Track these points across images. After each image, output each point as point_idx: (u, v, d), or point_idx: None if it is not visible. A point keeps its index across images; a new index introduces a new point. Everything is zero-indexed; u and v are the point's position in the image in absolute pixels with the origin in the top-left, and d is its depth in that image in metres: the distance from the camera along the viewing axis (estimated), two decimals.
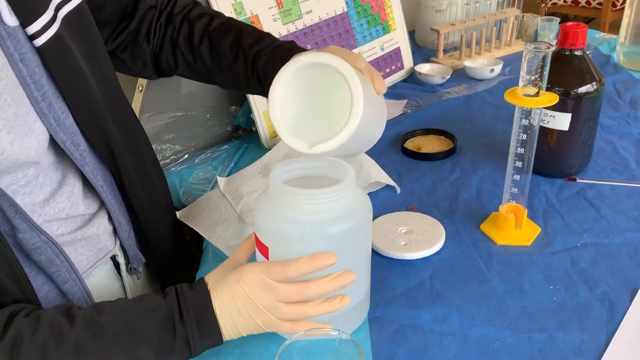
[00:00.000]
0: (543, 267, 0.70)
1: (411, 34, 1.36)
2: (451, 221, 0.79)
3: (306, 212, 0.56)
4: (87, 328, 0.52)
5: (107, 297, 0.68)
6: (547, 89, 0.67)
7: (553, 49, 0.63)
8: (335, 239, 0.56)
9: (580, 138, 0.84)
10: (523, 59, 0.65)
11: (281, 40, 0.73)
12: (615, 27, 1.62)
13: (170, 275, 0.80)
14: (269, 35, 0.74)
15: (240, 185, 0.90)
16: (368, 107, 0.58)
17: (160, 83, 0.96)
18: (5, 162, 0.53)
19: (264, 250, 0.58)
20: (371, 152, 0.93)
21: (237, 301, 0.56)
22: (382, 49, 1.21)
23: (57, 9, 0.59)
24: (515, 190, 0.73)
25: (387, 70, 1.24)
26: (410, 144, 1.00)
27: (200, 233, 0.82)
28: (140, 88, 0.92)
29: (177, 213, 0.87)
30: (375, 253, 0.72)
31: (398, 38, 1.25)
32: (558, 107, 0.78)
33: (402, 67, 1.28)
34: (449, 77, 1.24)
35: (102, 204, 0.68)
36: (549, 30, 1.41)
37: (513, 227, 0.75)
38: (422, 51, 1.44)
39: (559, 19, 1.39)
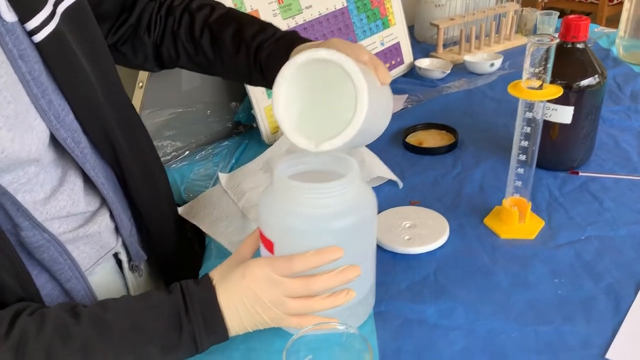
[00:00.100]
0: (547, 260, 0.70)
1: (410, 29, 1.35)
2: (454, 215, 0.78)
3: (311, 206, 0.55)
4: (93, 326, 0.52)
5: (110, 294, 0.67)
6: (550, 82, 0.67)
7: (557, 41, 0.63)
8: (341, 233, 0.56)
9: (582, 131, 0.84)
10: (527, 52, 0.65)
11: (283, 30, 0.73)
12: (611, 22, 1.62)
13: (172, 272, 0.80)
14: (270, 25, 0.73)
15: (242, 182, 0.90)
16: (373, 101, 0.57)
17: (160, 79, 0.95)
18: (6, 160, 0.53)
19: (269, 246, 0.58)
20: (373, 147, 0.93)
21: (243, 297, 0.55)
22: (382, 44, 1.21)
23: (56, 4, 0.58)
24: (519, 183, 0.73)
25: (387, 65, 1.24)
26: (411, 139, 1.00)
27: (203, 229, 0.82)
28: (140, 84, 0.92)
29: (179, 209, 0.86)
30: (379, 248, 0.71)
31: (398, 33, 1.24)
32: (560, 100, 0.78)
33: (402, 62, 1.27)
34: (449, 71, 1.24)
35: (104, 202, 0.67)
36: (548, 24, 1.41)
37: (517, 221, 0.74)
38: (421, 46, 1.44)
39: (558, 13, 1.39)
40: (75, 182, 0.63)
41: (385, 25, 1.21)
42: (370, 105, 0.56)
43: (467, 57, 1.28)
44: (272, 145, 0.99)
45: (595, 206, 0.79)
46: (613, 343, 0.57)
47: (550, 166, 0.87)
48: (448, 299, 0.65)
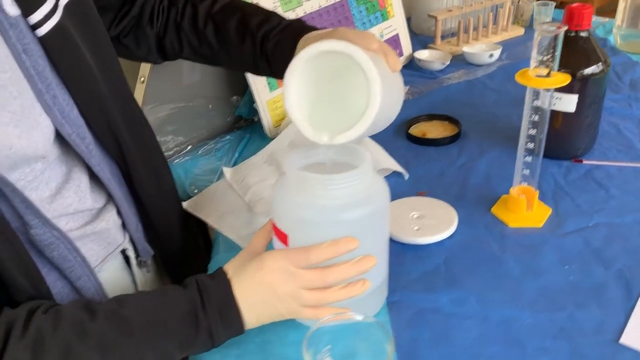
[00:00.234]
0: (556, 247, 0.70)
1: (407, 21, 1.35)
2: (462, 205, 0.78)
3: (325, 197, 0.55)
4: (110, 322, 0.52)
5: (118, 291, 0.67)
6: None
7: (564, 28, 0.63)
8: (355, 224, 0.55)
9: (586, 120, 0.84)
10: (534, 40, 0.65)
11: (288, 19, 0.72)
12: (602, 12, 1.63)
13: (179, 268, 0.80)
14: (275, 14, 0.72)
15: (247, 175, 0.89)
16: (385, 90, 0.57)
17: (161, 74, 0.95)
18: (13, 157, 0.52)
19: (283, 238, 0.58)
20: (376, 138, 0.93)
21: (258, 290, 0.55)
22: (382, 36, 1.21)
23: None
24: (526, 172, 0.73)
25: None
26: (415, 130, 1.00)
27: (210, 223, 0.81)
28: (142, 79, 0.91)
29: (184, 204, 0.86)
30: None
31: (397, 25, 1.24)
32: (564, 89, 0.78)
33: (401, 54, 1.27)
34: (448, 63, 1.24)
35: (109, 198, 0.66)
36: (545, 15, 1.41)
37: (524, 209, 0.75)
38: (419, 38, 1.44)
39: (554, 3, 1.40)
40: (81, 179, 0.62)
41: (385, 17, 1.20)
42: (383, 95, 0.56)
43: (466, 49, 1.28)
44: (274, 138, 0.99)
45: (601, 194, 0.79)
46: (626, 328, 0.58)
47: (554, 155, 0.87)
48: (460, 288, 0.65)
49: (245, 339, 0.58)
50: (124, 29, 0.76)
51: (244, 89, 1.06)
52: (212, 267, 0.75)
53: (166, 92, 0.97)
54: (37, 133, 0.55)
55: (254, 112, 1.06)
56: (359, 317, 0.51)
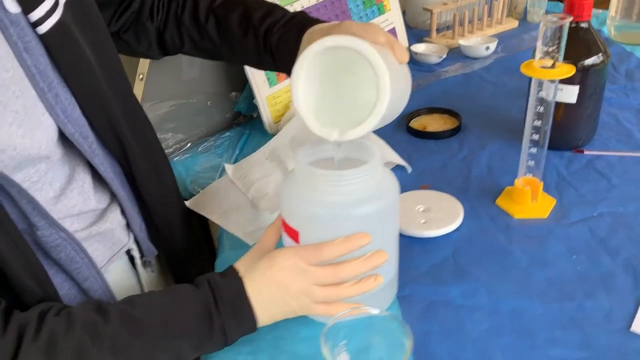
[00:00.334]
0: (563, 238, 0.70)
1: (402, 14, 1.35)
2: (466, 198, 0.78)
3: (337, 194, 0.55)
4: (123, 323, 0.51)
5: (124, 292, 0.66)
6: None
7: (569, 19, 0.63)
8: (367, 219, 0.55)
9: (587, 110, 0.85)
10: (540, 30, 0.65)
11: (291, 12, 0.71)
12: (596, 4, 1.63)
13: (182, 267, 0.79)
14: (277, 7, 0.72)
15: (249, 172, 0.89)
16: (393, 84, 0.57)
17: (159, 70, 0.94)
18: (18, 158, 0.51)
19: (294, 235, 0.57)
20: (377, 132, 0.93)
21: (271, 287, 0.55)
22: None
23: None
24: (531, 163, 0.73)
25: None
26: (415, 123, 1.00)
27: (214, 221, 0.81)
28: (140, 76, 0.90)
29: (187, 202, 0.85)
30: None
31: (393, 18, 1.24)
32: (565, 80, 0.78)
33: None
34: (445, 56, 1.24)
35: (113, 198, 0.66)
36: (539, 7, 1.42)
37: (529, 200, 0.75)
38: (414, 32, 1.43)
39: None
40: (84, 179, 0.61)
41: (381, 11, 1.20)
42: (391, 89, 0.55)
43: (462, 42, 1.28)
44: (275, 134, 0.98)
45: (604, 183, 0.80)
46: (637, 316, 0.58)
47: (556, 146, 0.87)
48: (469, 280, 0.65)
49: (257, 336, 0.58)
50: (124, 25, 0.75)
51: (243, 85, 1.06)
52: (218, 265, 0.74)
53: (165, 89, 0.96)
54: (41, 133, 0.54)
55: (253, 108, 1.05)
56: (374, 312, 0.51)
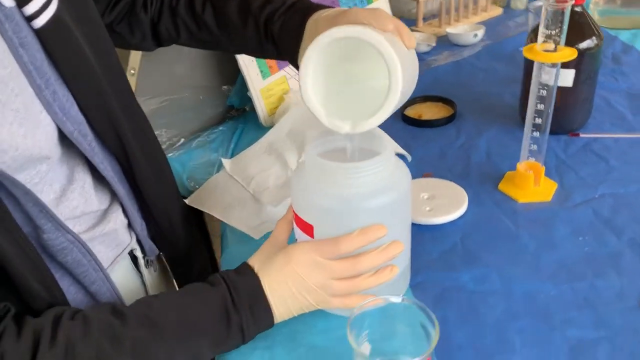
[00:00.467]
0: (568, 220, 0.71)
1: None
2: (468, 184, 0.79)
3: (351, 186, 0.54)
4: (141, 325, 0.50)
5: (129, 293, 0.65)
6: None
7: (571, 2, 0.64)
8: (382, 211, 0.55)
9: (582, 94, 0.86)
10: (542, 14, 0.65)
11: None
12: None
13: (183, 265, 0.78)
14: None
15: (248, 166, 0.87)
16: (403, 71, 0.56)
17: (151, 65, 0.91)
18: (20, 159, 0.49)
19: (308, 229, 0.57)
20: None
21: (289, 282, 0.55)
22: None
23: None
24: (534, 147, 0.74)
25: None
26: (410, 112, 0.99)
27: (216, 216, 0.80)
28: (132, 72, 0.88)
29: (187, 199, 0.84)
30: None
31: (381, 7, 1.23)
32: (561, 64, 0.79)
33: None
34: (434, 44, 1.24)
35: (114, 198, 0.64)
36: None
37: (532, 185, 0.76)
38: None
39: None
40: (84, 180, 0.59)
41: (369, 0, 1.19)
42: (403, 78, 0.55)
43: (450, 30, 1.28)
44: (270, 127, 0.97)
45: (602, 165, 0.81)
46: None
47: (552, 130, 0.87)
48: (480, 265, 0.65)
49: (273, 330, 0.57)
50: (117, 16, 0.72)
51: (235, 78, 1.04)
52: (224, 260, 0.73)
53: (156, 84, 0.94)
54: (41, 132, 0.52)
55: (245, 101, 1.04)
56: (397, 300, 0.50)
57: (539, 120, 0.72)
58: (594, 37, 0.82)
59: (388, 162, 0.55)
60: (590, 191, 0.76)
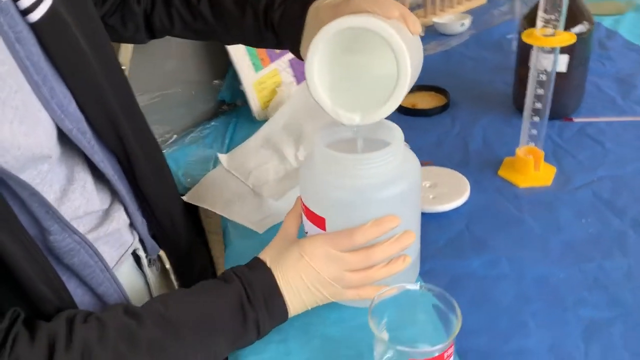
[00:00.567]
0: (570, 203, 0.72)
1: None
2: (467, 171, 0.79)
3: (363, 177, 0.54)
4: (157, 326, 0.49)
5: (134, 294, 0.64)
6: None
7: None
8: (393, 201, 0.55)
9: (575, 79, 0.86)
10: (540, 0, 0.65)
11: None
12: None
13: (184, 264, 0.76)
14: None
15: (245, 161, 0.86)
16: (411, 58, 0.56)
17: (142, 61, 0.89)
18: (22, 158, 0.47)
19: (320, 222, 0.56)
20: None
21: (303, 276, 0.54)
22: None
23: None
24: (534, 132, 0.74)
25: None
26: (404, 102, 0.98)
27: (217, 212, 0.78)
28: (122, 68, 0.85)
29: (184, 196, 0.82)
30: None
31: None
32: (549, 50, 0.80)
33: None
34: (423, 34, 1.24)
35: (114, 197, 0.62)
36: None
37: (532, 169, 0.76)
38: None
39: None
40: (84, 179, 0.57)
41: None
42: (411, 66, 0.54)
43: (437, 19, 1.28)
44: (263, 121, 0.96)
45: (598, 149, 0.82)
46: None
47: None
48: (488, 251, 0.66)
49: (286, 323, 0.57)
50: (109, 8, 0.70)
51: (225, 73, 1.02)
52: (228, 256, 0.72)
53: (147, 80, 0.92)
54: (41, 130, 0.50)
55: (236, 95, 1.03)
56: (415, 287, 0.50)
57: (538, 105, 0.72)
58: (585, 22, 0.83)
59: (399, 151, 0.55)
60: (589, 174, 0.77)
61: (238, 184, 0.82)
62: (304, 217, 0.59)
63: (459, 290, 0.61)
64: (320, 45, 0.52)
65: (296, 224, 0.59)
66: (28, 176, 0.50)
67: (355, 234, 0.54)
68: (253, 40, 0.71)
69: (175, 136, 0.97)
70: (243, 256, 0.70)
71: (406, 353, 0.45)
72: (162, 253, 0.72)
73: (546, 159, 0.80)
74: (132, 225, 0.65)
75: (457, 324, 0.46)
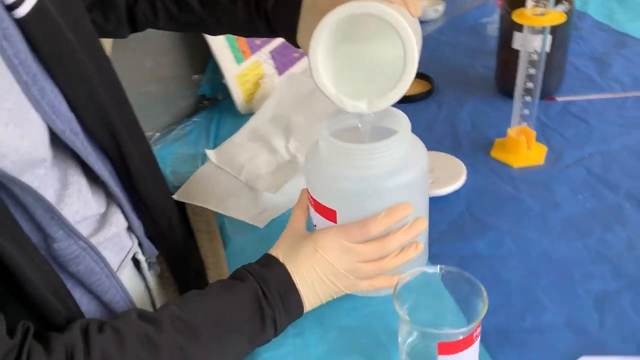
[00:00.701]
0: (564, 180, 0.73)
1: None
2: (460, 155, 0.79)
3: (374, 167, 0.53)
4: (176, 330, 0.47)
5: (136, 299, 0.61)
6: None
7: None
8: (405, 188, 0.54)
9: (557, 59, 0.88)
10: None
11: None
12: None
13: (182, 265, 0.74)
14: None
15: (235, 155, 0.84)
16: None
17: (118, 58, 0.86)
18: (20, 163, 0.45)
19: (330, 215, 0.55)
20: None
21: (317, 270, 0.54)
22: None
23: None
24: (526, 111, 0.75)
25: None
26: None
27: (211, 209, 0.76)
28: None
29: (174, 195, 0.80)
30: None
31: None
32: (539, 30, 0.81)
33: None
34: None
35: (110, 199, 0.60)
36: None
37: (525, 149, 0.77)
38: None
39: None
40: (79, 182, 0.55)
41: None
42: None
43: None
44: (248, 114, 0.94)
45: (584, 126, 0.84)
46: None
47: None
48: (491, 231, 0.66)
49: (300, 317, 0.56)
50: (90, 2, 0.67)
51: (204, 67, 1.00)
52: (230, 254, 0.70)
53: (125, 78, 0.88)
54: (35, 132, 0.47)
55: (217, 89, 1.00)
56: (434, 270, 0.50)
57: (530, 85, 0.73)
58: (565, 2, 0.84)
59: (407, 138, 0.55)
60: (579, 151, 0.78)
61: (230, 179, 0.80)
62: (312, 211, 0.58)
63: (468, 271, 0.60)
64: (325, 33, 0.50)
65: (304, 217, 0.59)
66: (26, 181, 0.47)
67: (369, 224, 0.53)
68: (244, 30, 0.70)
69: (157, 134, 0.94)
70: (245, 252, 0.69)
71: (436, 335, 0.45)
72: (159, 256, 0.70)
73: (536, 139, 0.81)
74: (129, 228, 0.62)
75: (484, 302, 0.46)
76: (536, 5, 0.67)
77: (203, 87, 1.00)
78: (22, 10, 0.46)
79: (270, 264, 0.54)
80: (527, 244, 0.64)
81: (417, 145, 0.57)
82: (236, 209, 0.75)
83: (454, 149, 0.82)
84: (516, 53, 0.85)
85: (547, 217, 0.67)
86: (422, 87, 0.99)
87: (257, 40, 0.97)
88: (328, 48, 0.52)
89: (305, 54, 0.61)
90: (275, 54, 1.00)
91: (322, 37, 0.50)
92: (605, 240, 0.63)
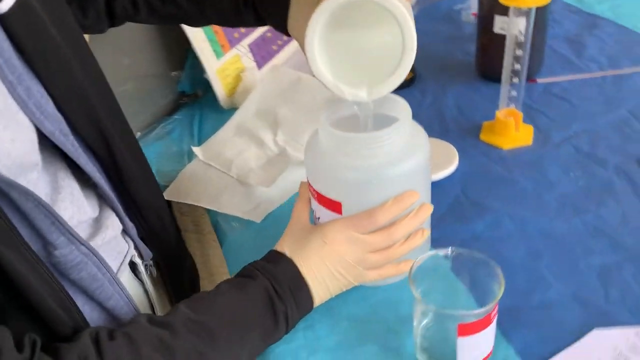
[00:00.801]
0: (554, 159, 0.74)
1: None
2: (450, 139, 0.79)
3: (378, 155, 0.53)
4: (191, 332, 0.46)
5: (137, 305, 0.59)
6: None
7: None
8: (410, 175, 0.54)
9: (537, 41, 0.89)
10: None
11: None
12: None
13: (176, 267, 0.72)
14: None
15: (222, 151, 0.83)
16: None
17: (95, 56, 0.83)
18: (13, 168, 0.43)
19: (336, 207, 0.54)
20: None
21: (326, 263, 0.53)
22: None
23: None
24: (514, 93, 0.76)
25: None
26: None
27: (204, 206, 0.75)
28: None
29: (164, 194, 0.77)
30: None
31: None
32: (518, 12, 0.82)
33: None
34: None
35: (102, 202, 0.57)
36: None
37: (514, 131, 0.78)
38: None
39: None
40: (71, 185, 0.52)
41: None
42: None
43: None
44: (230, 109, 0.92)
45: (567, 106, 0.85)
46: None
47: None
48: (489, 213, 0.67)
49: None
50: None
51: (183, 62, 0.98)
52: (227, 251, 0.69)
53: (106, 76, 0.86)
54: (24, 135, 0.45)
55: (197, 85, 0.98)
56: (446, 252, 0.50)
57: (517, 67, 0.73)
58: None
59: (408, 124, 0.54)
60: (565, 131, 0.79)
61: (220, 176, 0.79)
62: (315, 203, 0.57)
63: None
64: (321, 21, 0.50)
65: (306, 210, 0.58)
66: None
67: (377, 214, 0.53)
68: (229, 21, 0.68)
69: (138, 134, 0.92)
70: (243, 249, 0.68)
71: (455, 317, 0.45)
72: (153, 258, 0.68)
73: (522, 120, 0.82)
74: (124, 230, 0.60)
75: (500, 280, 0.46)
76: None
77: (182, 84, 0.98)
78: (3, 6, 0.44)
79: (277, 259, 0.53)
80: (525, 224, 0.64)
81: (418, 130, 0.57)
82: (230, 205, 0.73)
83: (443, 134, 0.82)
84: (497, 37, 0.87)
85: (541, 196, 0.68)
86: None
87: (236, 34, 0.96)
88: (324, 36, 0.51)
89: (298, 42, 0.60)
90: (253, 47, 0.99)
91: (319, 26, 0.50)
92: (601, 215, 0.64)
